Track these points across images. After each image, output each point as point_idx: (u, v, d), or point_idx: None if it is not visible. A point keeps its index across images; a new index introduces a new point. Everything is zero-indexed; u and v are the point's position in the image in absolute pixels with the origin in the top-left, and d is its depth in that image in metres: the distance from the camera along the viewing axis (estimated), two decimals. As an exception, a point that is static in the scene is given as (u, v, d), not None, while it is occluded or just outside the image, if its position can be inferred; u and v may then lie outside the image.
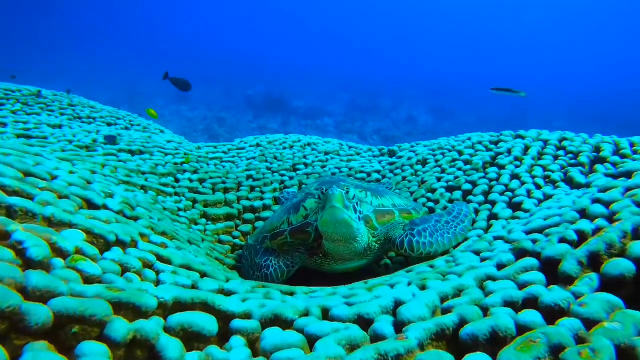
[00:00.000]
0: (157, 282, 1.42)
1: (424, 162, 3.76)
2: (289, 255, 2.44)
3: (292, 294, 1.71)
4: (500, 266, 1.42)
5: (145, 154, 3.60)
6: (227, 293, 1.55)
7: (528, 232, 1.73)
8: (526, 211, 2.40)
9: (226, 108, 24.45)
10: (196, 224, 2.98)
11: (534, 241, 1.50)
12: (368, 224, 2.36)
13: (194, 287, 1.49)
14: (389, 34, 50.96)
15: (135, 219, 1.95)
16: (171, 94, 25.08)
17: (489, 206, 2.66)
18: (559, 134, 3.48)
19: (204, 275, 1.71)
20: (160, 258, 1.60)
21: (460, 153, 3.70)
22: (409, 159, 3.86)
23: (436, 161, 3.68)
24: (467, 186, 3.02)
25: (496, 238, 1.85)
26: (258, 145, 4.54)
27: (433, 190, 3.17)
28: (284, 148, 4.47)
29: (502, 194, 2.73)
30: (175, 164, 3.59)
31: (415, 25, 51.89)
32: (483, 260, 1.58)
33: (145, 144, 3.75)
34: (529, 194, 2.61)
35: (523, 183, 2.75)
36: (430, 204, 3.01)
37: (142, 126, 5.64)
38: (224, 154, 4.22)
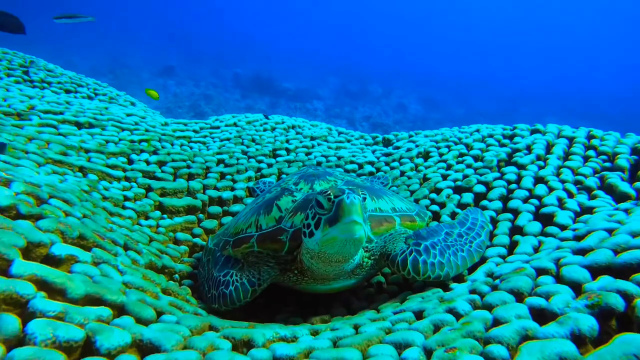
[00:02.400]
0: (20, 338, 0.87)
1: (426, 155, 3.23)
2: (255, 268, 1.87)
3: (249, 342, 1.17)
4: (578, 339, 0.89)
5: (96, 128, 2.98)
6: (145, 348, 1.01)
7: (592, 268, 1.22)
8: (562, 227, 1.89)
9: (214, 85, 23.63)
10: (147, 217, 2.40)
11: (625, 295, 0.98)
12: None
13: (87, 341, 0.94)
14: (383, 22, 50.02)
15: (36, 218, 1.37)
16: (157, 67, 24.09)
17: (509, 216, 2.14)
18: (585, 131, 2.98)
19: (120, 309, 1.16)
20: (47, 287, 1.04)
21: (469, 147, 3.18)
22: (409, 150, 3.32)
23: (440, 155, 3.15)
24: (480, 188, 2.51)
25: (539, 271, 1.33)
26: (235, 125, 3.95)
27: (438, 191, 2.64)
28: (265, 130, 3.90)
29: (525, 201, 2.22)
30: (132, 141, 2.99)
31: (410, 13, 51.04)
32: (535, 313, 1.06)
33: (97, 115, 3.13)
34: (560, 203, 2.10)
35: (551, 189, 2.24)
36: (435, 207, 2.49)
37: (109, 96, 5.00)
38: (194, 133, 3.62)
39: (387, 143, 3.91)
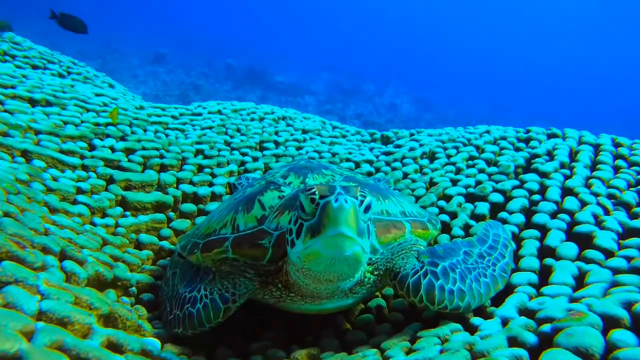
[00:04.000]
0: None
1: (431, 156, 2.88)
2: (229, 280, 1.48)
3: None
4: None
5: (54, 106, 2.57)
6: None
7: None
8: (605, 252, 1.55)
9: (205, 75, 23.11)
10: (103, 215, 2.01)
11: None
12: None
13: None
14: (379, 20, 49.68)
15: None
16: (148, 54, 23.44)
17: (536, 233, 1.80)
18: (609, 138, 2.66)
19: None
20: None
21: (480, 149, 2.83)
22: (412, 149, 2.96)
23: (448, 157, 2.80)
24: (497, 197, 2.16)
25: (607, 319, 0.98)
26: (220, 112, 3.55)
27: (447, 198, 2.29)
28: (252, 120, 3.51)
29: (553, 216, 1.88)
30: (97, 124, 2.58)
31: (406, 13, 50.83)
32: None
33: (58, 92, 2.72)
34: (597, 221, 1.77)
35: (584, 203, 1.91)
36: (445, 217, 2.14)
37: (84, 76, 4.54)
38: (172, 119, 3.22)
39: (385, 141, 3.55)
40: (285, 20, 42.72)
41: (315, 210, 1.15)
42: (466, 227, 2.05)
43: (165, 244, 2.08)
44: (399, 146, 3.16)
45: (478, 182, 2.37)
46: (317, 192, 1.17)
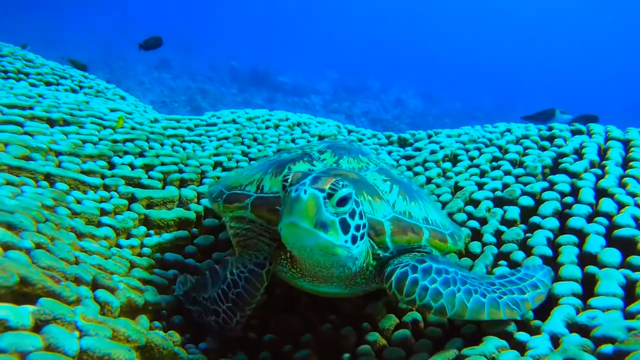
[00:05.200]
0: None
1: (453, 159, 2.82)
2: (251, 250, 1.56)
3: None
4: None
5: (72, 125, 2.55)
6: None
7: None
8: (652, 259, 1.49)
9: (210, 79, 23.18)
10: (128, 236, 1.98)
11: None
12: (377, 236, 1.47)
13: None
14: (381, 15, 49.45)
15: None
16: (153, 60, 23.52)
17: (573, 238, 1.74)
18: (637, 131, 2.59)
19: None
20: None
21: (503, 150, 2.77)
22: (433, 152, 2.91)
23: (470, 159, 2.75)
24: (527, 200, 2.10)
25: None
26: (234, 121, 3.52)
27: (475, 203, 2.23)
28: (267, 127, 3.47)
29: (590, 219, 1.82)
30: (114, 141, 2.56)
31: (407, 7, 50.50)
32: None
33: (75, 110, 2.70)
34: (638, 224, 1.71)
35: (621, 205, 1.84)
36: (474, 224, 2.09)
37: (95, 89, 4.56)
38: (188, 131, 3.19)
39: (403, 143, 3.50)
40: (286, 21, 42.65)
41: (285, 196, 1.22)
42: (497, 234, 2.00)
43: (191, 261, 2.05)
44: (418, 149, 3.10)
45: (505, 185, 2.31)
46: (288, 180, 1.23)
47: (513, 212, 2.06)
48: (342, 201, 1.19)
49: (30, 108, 2.51)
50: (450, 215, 2.19)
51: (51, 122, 2.50)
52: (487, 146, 2.85)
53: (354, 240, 1.24)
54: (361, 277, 1.49)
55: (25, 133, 2.24)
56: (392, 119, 21.82)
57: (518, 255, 1.78)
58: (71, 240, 1.52)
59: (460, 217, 2.15)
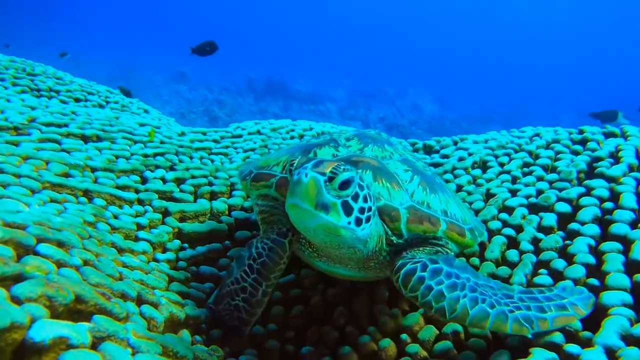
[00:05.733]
0: None
1: (483, 166, 2.78)
2: (275, 224, 1.67)
3: None
4: None
5: (104, 141, 2.61)
6: None
7: None
8: None
9: (226, 90, 23.48)
10: (164, 250, 2.01)
11: None
12: (392, 222, 1.51)
13: None
14: (395, 21, 49.44)
15: (13, 280, 0.98)
16: (170, 73, 24.00)
17: (617, 245, 1.69)
18: (675, 134, 2.52)
19: None
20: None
21: (533, 155, 2.73)
22: (461, 159, 2.88)
23: (501, 165, 2.71)
24: (563, 207, 2.06)
25: None
26: (259, 132, 3.55)
27: (509, 210, 2.20)
28: (292, 137, 3.49)
29: (634, 225, 1.77)
30: (145, 155, 2.60)
31: (420, 11, 50.39)
32: None
33: (106, 126, 2.76)
34: (686, 230, 1.65)
35: (666, 210, 1.79)
36: (509, 231, 2.05)
37: (121, 104, 4.66)
38: (214, 144, 3.23)
39: (428, 150, 3.47)
40: (300, 30, 42.97)
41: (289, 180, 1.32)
42: (535, 241, 1.96)
43: (225, 273, 2.06)
44: (445, 156, 3.08)
45: (539, 191, 2.27)
46: (294, 164, 1.32)
47: (550, 219, 2.02)
48: (344, 184, 1.24)
49: (66, 125, 2.58)
50: (484, 223, 2.16)
51: (85, 139, 2.56)
52: (516, 152, 2.81)
53: (358, 222, 1.29)
54: (374, 262, 1.54)
55: (63, 150, 2.30)
56: (409, 124, 21.75)
57: (559, 263, 1.74)
58: (113, 256, 1.55)
59: (495, 225, 2.11)
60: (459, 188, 2.57)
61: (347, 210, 1.25)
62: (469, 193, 2.48)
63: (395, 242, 1.53)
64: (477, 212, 2.28)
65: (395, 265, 1.45)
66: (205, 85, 23.40)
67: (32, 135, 2.31)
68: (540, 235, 1.97)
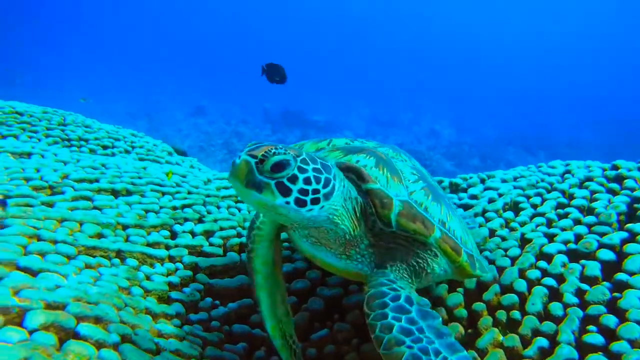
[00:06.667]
0: None
1: (515, 207, 2.71)
2: None
3: None
4: None
5: (134, 195, 2.64)
6: None
7: None
8: None
9: (244, 122, 23.95)
10: (197, 310, 1.99)
11: None
12: (382, 208, 1.52)
13: None
14: (407, 47, 50.07)
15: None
16: (189, 107, 24.67)
17: (671, 301, 1.60)
18: None
19: None
20: None
21: (567, 195, 2.65)
22: (491, 201, 2.82)
23: (534, 206, 2.63)
24: (607, 254, 1.97)
25: None
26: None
27: (547, 257, 2.12)
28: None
29: (687, 277, 1.68)
30: (174, 208, 2.63)
31: (433, 38, 50.99)
32: None
33: (135, 179, 2.81)
34: None
35: None
36: (550, 282, 1.96)
37: (146, 148, 4.77)
38: (240, 190, 3.24)
39: (454, 188, 3.42)
40: (315, 60, 43.84)
41: None
42: (579, 293, 1.87)
43: (258, 331, 2.03)
44: (474, 197, 3.02)
45: (578, 236, 2.18)
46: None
47: (593, 268, 1.93)
48: (276, 166, 1.30)
49: (97, 181, 2.63)
50: (522, 271, 2.08)
51: (115, 193, 2.60)
52: (548, 191, 2.73)
53: (300, 202, 1.34)
54: (355, 249, 1.57)
55: (95, 207, 2.33)
56: (427, 150, 21.66)
57: (610, 320, 1.65)
58: (150, 326, 1.53)
59: (534, 274, 2.03)
60: (492, 233, 2.50)
61: (283, 190, 1.31)
62: (504, 239, 2.40)
63: (378, 232, 1.56)
64: (513, 259, 2.20)
65: (370, 282, 1.50)
66: (223, 118, 23.93)
67: (65, 194, 2.36)
68: (584, 286, 1.88)
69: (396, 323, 1.31)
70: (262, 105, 25.73)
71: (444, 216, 1.65)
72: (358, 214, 1.53)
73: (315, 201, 1.37)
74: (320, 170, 1.39)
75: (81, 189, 2.47)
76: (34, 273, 1.43)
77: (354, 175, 1.57)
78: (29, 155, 2.98)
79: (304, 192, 1.34)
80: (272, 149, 1.31)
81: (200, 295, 2.06)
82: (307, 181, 1.35)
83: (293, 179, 1.32)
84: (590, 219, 2.30)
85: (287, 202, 1.32)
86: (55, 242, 1.77)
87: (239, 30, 52.71)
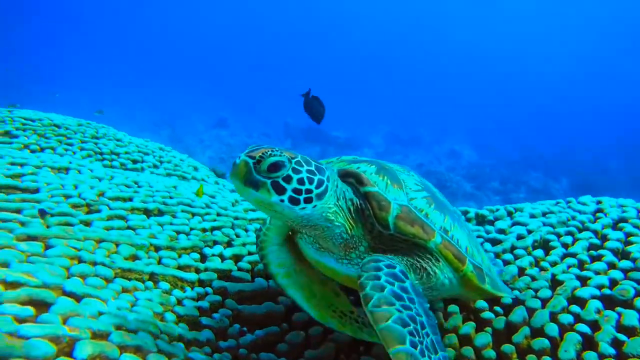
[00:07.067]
0: None
1: (545, 246, 2.67)
2: None
3: None
4: None
5: (166, 215, 2.70)
6: None
7: None
8: None
9: (265, 135, 24.25)
10: (226, 337, 2.01)
11: None
12: (380, 210, 1.56)
13: None
14: (427, 66, 50.14)
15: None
16: (212, 119, 25.13)
17: None
18: None
19: None
20: None
21: (599, 235, 2.60)
22: (520, 237, 2.78)
23: (564, 246, 2.59)
24: (644, 303, 1.93)
25: None
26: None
27: (581, 302, 2.07)
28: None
29: None
30: (204, 230, 2.67)
31: (453, 57, 50.97)
32: None
33: (167, 198, 2.87)
34: None
35: None
36: (584, 328, 1.92)
37: (173, 163, 4.88)
38: (267, 212, 3.28)
39: (481, 220, 3.39)
40: (336, 77, 44.23)
41: None
42: (616, 344, 1.82)
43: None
44: (502, 231, 2.98)
45: (613, 281, 2.14)
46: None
47: (631, 318, 1.88)
48: (272, 167, 1.40)
49: (130, 200, 2.70)
50: (554, 315, 2.04)
51: (148, 213, 2.67)
52: (580, 231, 2.69)
53: (294, 201, 1.43)
54: (355, 253, 1.62)
55: (129, 227, 2.39)
56: (447, 171, 21.47)
57: (648, 375, 1.60)
58: (184, 354, 1.56)
59: (567, 318, 1.99)
60: (522, 271, 2.46)
61: (278, 189, 1.41)
62: (534, 278, 2.36)
63: (376, 234, 1.60)
64: (544, 301, 2.16)
65: (361, 264, 1.53)
66: (245, 131, 24.25)
67: (102, 212, 2.43)
68: (621, 336, 1.84)
69: (388, 286, 1.36)
70: (283, 120, 26.02)
71: (447, 225, 1.67)
72: (353, 214, 1.59)
73: (308, 200, 1.46)
74: (314, 172, 1.48)
75: (116, 208, 2.54)
76: (78, 298, 1.48)
77: (354, 179, 1.64)
78: (67, 170, 3.08)
79: (297, 191, 1.43)
80: (269, 151, 1.42)
81: (229, 321, 2.08)
82: (300, 181, 1.44)
83: (287, 179, 1.42)
84: (625, 263, 2.25)
85: (282, 200, 1.42)
86: (94, 263, 1.82)
87: (264, 46, 53.71)
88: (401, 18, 57.12)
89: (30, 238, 1.82)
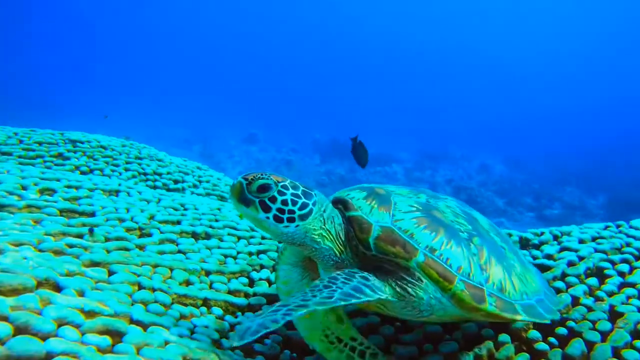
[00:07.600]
0: None
1: (599, 274, 2.58)
2: None
3: None
4: None
5: (213, 239, 2.76)
6: None
7: None
8: None
9: (294, 151, 24.47)
10: (277, 364, 2.02)
11: None
12: (361, 233, 1.68)
13: None
14: (455, 81, 49.67)
15: None
16: (242, 134, 25.60)
17: None
18: None
19: None
20: None
21: (659, 264, 2.49)
22: (572, 264, 2.69)
23: (621, 274, 2.49)
24: None
25: None
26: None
27: (644, 337, 1.99)
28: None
29: None
30: (250, 254, 2.71)
31: (480, 72, 50.34)
32: None
33: (213, 222, 2.94)
34: None
35: None
36: (651, 366, 1.84)
37: (212, 183, 4.99)
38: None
39: (525, 243, 3.30)
40: (364, 93, 44.36)
41: None
42: (686, 384, 1.73)
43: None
44: (550, 257, 2.90)
45: (678, 315, 2.04)
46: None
47: (701, 356, 1.79)
48: (261, 188, 1.59)
49: (179, 223, 2.77)
50: (617, 350, 1.95)
51: (196, 236, 2.73)
52: (637, 258, 2.59)
53: (277, 219, 1.60)
54: (349, 266, 1.73)
55: (180, 252, 2.46)
56: (477, 186, 21.06)
57: None
58: (242, 384, 1.58)
59: (632, 355, 1.90)
60: (576, 301, 2.37)
61: (265, 207, 1.59)
62: (590, 309, 2.28)
63: (363, 252, 1.70)
64: (604, 335, 2.07)
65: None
66: (274, 146, 24.57)
67: (153, 237, 2.50)
68: (692, 376, 1.74)
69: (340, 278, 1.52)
70: (312, 136, 26.21)
71: (437, 244, 1.64)
72: (343, 238, 1.72)
73: (290, 220, 1.61)
74: (299, 195, 1.63)
75: (166, 232, 2.61)
76: (145, 327, 1.53)
77: (341, 205, 1.77)
78: (117, 193, 3.20)
79: (281, 210, 1.60)
80: (259, 174, 1.61)
81: (279, 347, 2.09)
82: (284, 202, 1.60)
83: (273, 199, 1.60)
84: (689, 295, 2.15)
85: (267, 217, 1.60)
86: (153, 290, 1.87)
87: (294, 63, 54.58)
88: (438, 37, 57.01)
89: (94, 264, 1.90)
